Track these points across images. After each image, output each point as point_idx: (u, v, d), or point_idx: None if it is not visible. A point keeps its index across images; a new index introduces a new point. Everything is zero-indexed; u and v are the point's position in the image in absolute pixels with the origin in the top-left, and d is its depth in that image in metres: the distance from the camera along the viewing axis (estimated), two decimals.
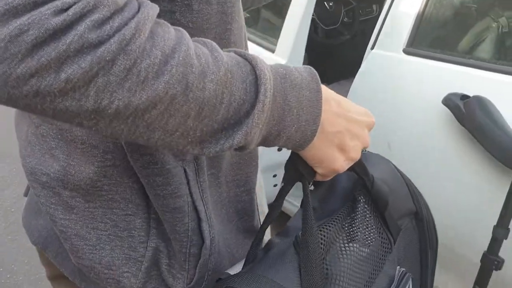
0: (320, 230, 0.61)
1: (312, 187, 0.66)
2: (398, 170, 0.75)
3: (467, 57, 1.47)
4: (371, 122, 0.58)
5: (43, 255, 0.67)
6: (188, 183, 0.56)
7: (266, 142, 0.50)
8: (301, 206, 0.60)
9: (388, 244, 0.71)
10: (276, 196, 0.61)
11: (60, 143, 0.56)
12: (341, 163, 0.55)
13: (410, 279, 0.73)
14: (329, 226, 0.62)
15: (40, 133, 0.58)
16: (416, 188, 0.77)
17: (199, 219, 0.58)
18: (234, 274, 0.56)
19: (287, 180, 0.59)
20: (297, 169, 0.57)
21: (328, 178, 0.58)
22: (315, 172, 0.57)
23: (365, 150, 0.79)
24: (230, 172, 0.64)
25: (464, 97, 1.31)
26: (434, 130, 1.43)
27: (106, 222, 0.58)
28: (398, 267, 0.74)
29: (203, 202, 0.58)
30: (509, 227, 1.18)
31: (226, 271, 0.61)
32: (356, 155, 0.56)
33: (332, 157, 0.54)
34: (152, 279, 0.59)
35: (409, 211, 0.76)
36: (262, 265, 0.57)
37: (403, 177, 0.75)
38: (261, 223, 0.63)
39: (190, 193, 0.57)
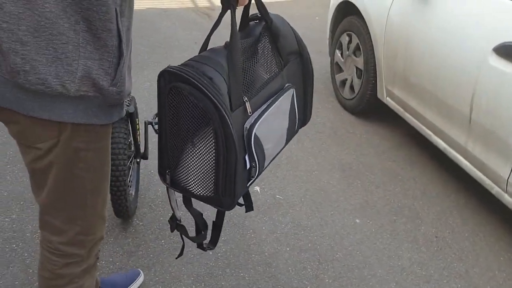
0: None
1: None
2: (288, 23, 1.21)
3: None
4: None
5: None
6: (116, 17, 0.94)
7: None
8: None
9: (280, 64, 1.16)
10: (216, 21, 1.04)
11: None
12: None
13: (294, 90, 1.19)
14: (242, 44, 1.06)
15: None
16: (300, 37, 1.23)
17: (120, 41, 0.96)
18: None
19: (222, 9, 1.01)
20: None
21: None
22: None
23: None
24: (127, 20, 1.01)
25: None
26: None
27: (50, 49, 0.90)
28: (288, 84, 1.19)
29: (121, 31, 0.96)
30: None
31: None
32: None
33: None
34: (85, 85, 0.94)
35: (295, 51, 1.22)
36: (198, 55, 0.99)
37: (291, 28, 1.21)
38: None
39: (117, 23, 0.94)
